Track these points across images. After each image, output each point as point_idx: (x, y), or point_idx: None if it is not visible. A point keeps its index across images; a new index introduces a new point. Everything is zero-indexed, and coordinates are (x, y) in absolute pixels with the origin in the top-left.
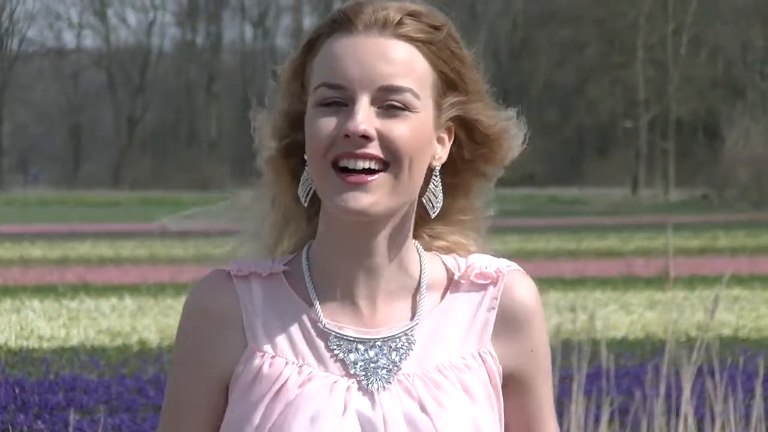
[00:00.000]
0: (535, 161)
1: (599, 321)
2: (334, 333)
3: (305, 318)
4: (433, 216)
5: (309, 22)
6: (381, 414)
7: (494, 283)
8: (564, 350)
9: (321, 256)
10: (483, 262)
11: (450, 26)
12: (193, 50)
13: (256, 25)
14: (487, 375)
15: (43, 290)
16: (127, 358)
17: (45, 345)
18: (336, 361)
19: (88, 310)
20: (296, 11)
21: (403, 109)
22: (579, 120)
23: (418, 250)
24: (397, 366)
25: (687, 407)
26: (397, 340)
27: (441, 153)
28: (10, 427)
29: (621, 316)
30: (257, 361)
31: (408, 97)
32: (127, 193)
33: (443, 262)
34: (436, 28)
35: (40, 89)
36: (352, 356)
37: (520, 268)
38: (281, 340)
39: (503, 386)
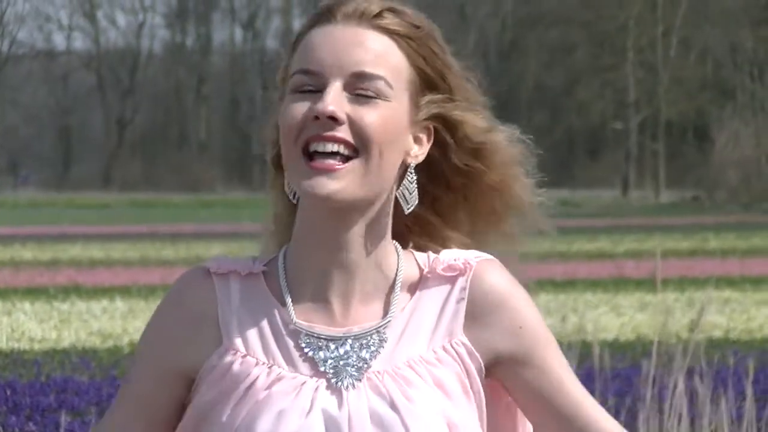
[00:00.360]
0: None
1: (590, 323)
2: (304, 331)
3: (277, 317)
4: (407, 211)
5: (299, 24)
6: (347, 412)
7: (462, 273)
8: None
9: (295, 253)
10: (451, 255)
11: (434, 30)
12: (182, 52)
13: (246, 27)
14: (462, 367)
15: (34, 292)
16: (118, 359)
17: (36, 347)
18: (305, 359)
19: (79, 312)
20: (286, 13)
21: (374, 97)
22: (569, 122)
23: (396, 250)
24: (367, 363)
25: (679, 409)
26: (368, 337)
27: (417, 152)
28: (1, 428)
29: (611, 318)
30: (228, 359)
31: (380, 85)
32: (117, 195)
33: (416, 259)
34: (416, 26)
35: (30, 91)
36: (321, 354)
37: (491, 257)
38: (254, 339)
39: (502, 371)
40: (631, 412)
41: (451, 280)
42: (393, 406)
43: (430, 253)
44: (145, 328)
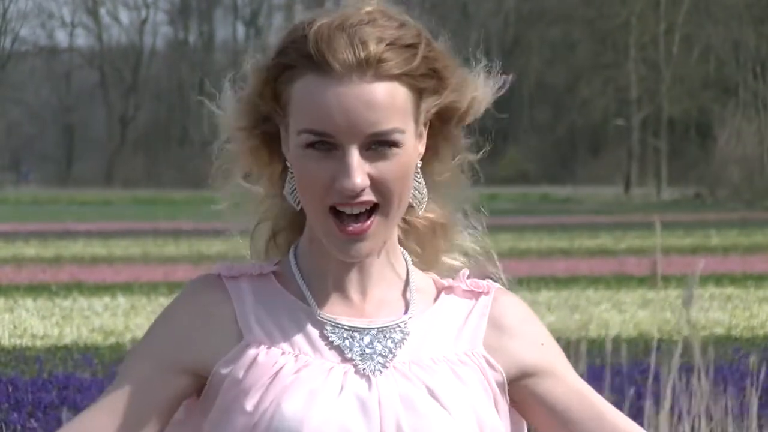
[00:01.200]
0: (527, 160)
1: (591, 320)
2: (329, 321)
3: (299, 311)
4: (420, 212)
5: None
6: (377, 395)
7: (486, 293)
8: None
9: (310, 255)
10: (474, 277)
11: (422, 33)
12: (185, 49)
13: (249, 24)
14: (483, 374)
15: (36, 289)
16: (120, 356)
17: (38, 343)
18: (332, 348)
19: (81, 309)
20: (288, 10)
21: (392, 146)
22: (571, 119)
23: (404, 256)
24: (393, 353)
25: (680, 406)
26: (392, 330)
27: (421, 148)
28: (3, 425)
29: (613, 314)
30: (252, 351)
31: (396, 136)
32: (119, 192)
33: (433, 279)
34: (413, 46)
35: (33, 88)
36: (347, 342)
37: (505, 288)
38: (276, 332)
39: (529, 385)
40: (633, 409)
41: (475, 295)
42: (428, 391)
43: (449, 279)
44: (149, 327)
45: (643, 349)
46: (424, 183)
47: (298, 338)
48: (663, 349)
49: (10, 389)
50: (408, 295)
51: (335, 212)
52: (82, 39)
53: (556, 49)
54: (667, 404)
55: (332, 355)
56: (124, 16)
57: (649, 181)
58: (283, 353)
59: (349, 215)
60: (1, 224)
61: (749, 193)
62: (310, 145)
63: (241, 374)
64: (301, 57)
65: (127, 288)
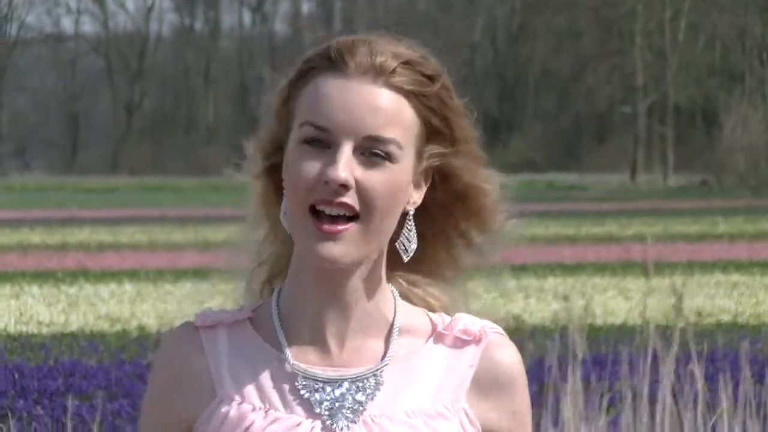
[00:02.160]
0: (533, 147)
1: (598, 307)
2: (300, 373)
3: (272, 360)
4: (406, 260)
5: (307, 8)
6: None
7: (477, 341)
8: (562, 336)
9: (291, 296)
10: (468, 320)
11: (444, 76)
12: (191, 36)
13: (255, 11)
14: (462, 429)
15: (42, 276)
16: (126, 343)
17: (44, 330)
18: (301, 402)
19: (87, 296)
20: None
21: (384, 158)
22: (577, 106)
23: (393, 295)
24: (363, 406)
25: (682, 393)
26: (365, 380)
27: (416, 197)
28: (9, 412)
29: (620, 301)
30: (224, 409)
31: (392, 148)
32: (125, 179)
33: (428, 315)
34: (429, 78)
35: (38, 75)
36: (317, 396)
37: (504, 333)
38: (248, 386)
39: None
40: (637, 396)
41: (465, 344)
42: None
43: (443, 314)
44: (148, 385)
45: (649, 336)
46: (415, 233)
47: (270, 392)
48: (668, 335)
49: (17, 376)
50: (390, 339)
51: (315, 213)
52: (87, 26)
53: (562, 36)
54: (667, 390)
55: (301, 410)
56: (130, 2)
57: (655, 168)
58: (254, 409)
59: (328, 215)
60: (7, 211)
61: (755, 180)
62: (307, 142)
63: None
64: (321, 59)
65: (134, 275)
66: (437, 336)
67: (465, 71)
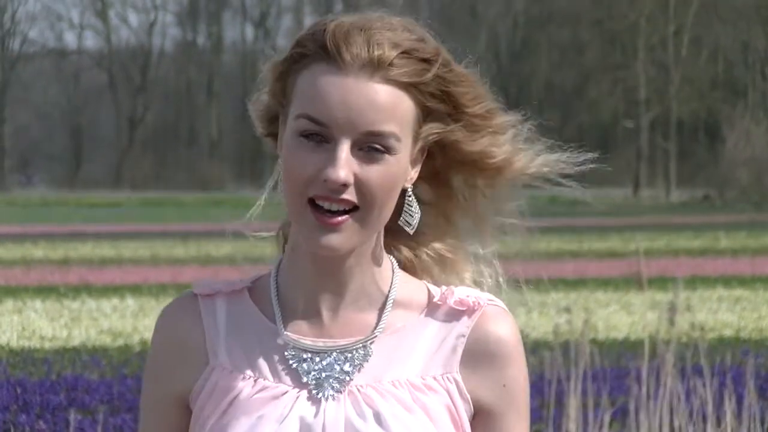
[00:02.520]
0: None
1: (600, 321)
2: (291, 344)
3: (266, 331)
4: (411, 232)
5: (310, 23)
6: (322, 421)
7: (470, 312)
8: (564, 350)
9: (289, 269)
10: (465, 292)
11: (442, 54)
12: (194, 50)
13: (257, 26)
14: (451, 401)
15: (44, 290)
16: (128, 358)
17: (47, 345)
18: (288, 372)
19: (89, 311)
20: (297, 11)
21: (383, 152)
22: (580, 120)
23: (392, 267)
24: (349, 377)
25: (683, 408)
26: (354, 351)
27: (413, 174)
28: (12, 426)
29: (622, 316)
30: (214, 377)
31: (390, 142)
32: (128, 193)
33: (427, 287)
34: (428, 61)
35: (41, 90)
36: (305, 365)
37: (503, 305)
38: (240, 355)
39: (474, 418)
40: (640, 411)
41: (458, 315)
42: (376, 418)
43: (444, 286)
44: (147, 359)
45: (651, 351)
46: (417, 207)
47: (261, 361)
48: (671, 351)
49: (19, 391)
50: (384, 311)
51: (314, 205)
52: (90, 41)
53: (565, 50)
54: (665, 405)
55: (289, 380)
56: (133, 17)
57: (658, 182)
58: (243, 378)
59: (327, 210)
60: (9, 226)
61: (758, 194)
62: (304, 135)
63: (204, 401)
64: (317, 46)
65: (136, 289)
66: (432, 307)
67: None
